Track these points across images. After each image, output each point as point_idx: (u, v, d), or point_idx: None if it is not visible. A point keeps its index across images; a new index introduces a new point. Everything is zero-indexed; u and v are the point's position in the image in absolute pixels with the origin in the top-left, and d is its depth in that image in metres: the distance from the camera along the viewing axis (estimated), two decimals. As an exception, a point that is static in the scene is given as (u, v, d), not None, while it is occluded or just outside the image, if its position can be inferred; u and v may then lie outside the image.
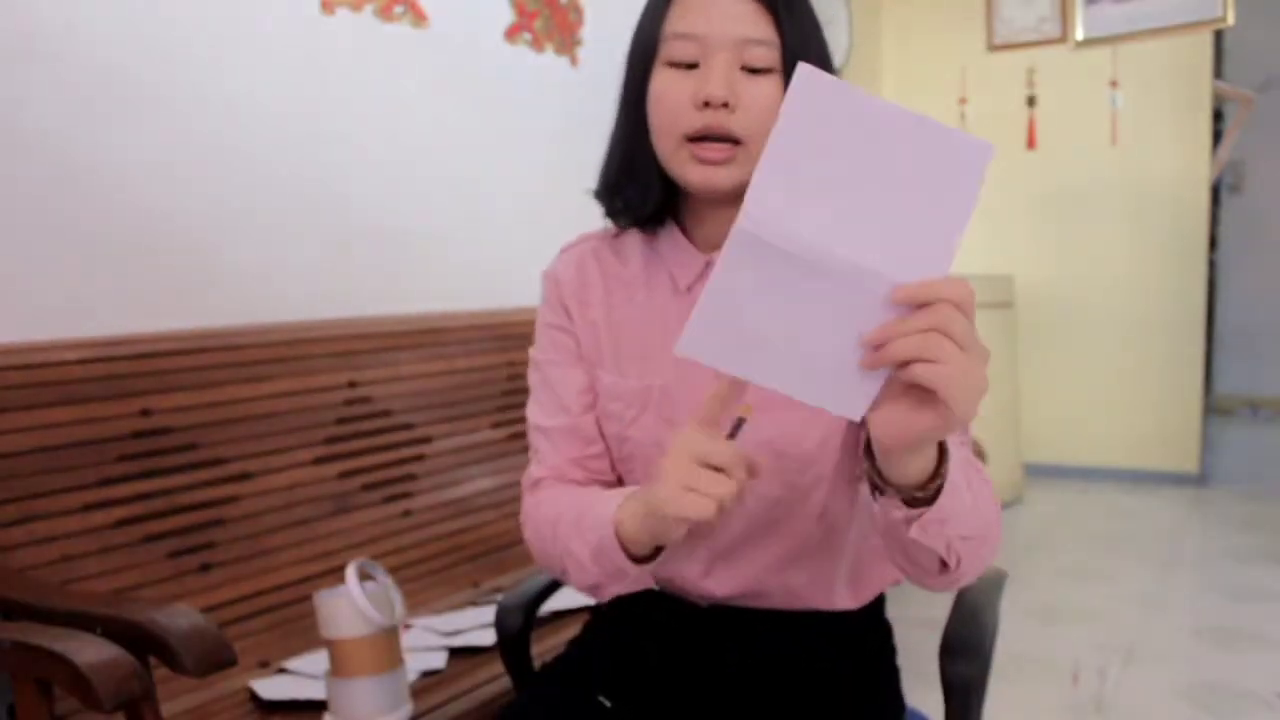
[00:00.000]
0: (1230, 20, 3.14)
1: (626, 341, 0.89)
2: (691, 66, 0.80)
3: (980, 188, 0.58)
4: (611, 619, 0.96)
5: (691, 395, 0.85)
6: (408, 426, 1.77)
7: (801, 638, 0.88)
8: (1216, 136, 3.87)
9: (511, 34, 2.27)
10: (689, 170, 0.81)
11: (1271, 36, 4.89)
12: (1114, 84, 3.64)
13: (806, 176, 0.57)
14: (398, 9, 1.97)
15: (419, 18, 2.02)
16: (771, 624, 0.88)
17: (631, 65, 0.86)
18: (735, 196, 0.76)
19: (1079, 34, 3.38)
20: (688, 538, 0.72)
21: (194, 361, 1.49)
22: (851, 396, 0.59)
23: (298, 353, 1.64)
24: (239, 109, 1.70)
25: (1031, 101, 3.85)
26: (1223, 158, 3.76)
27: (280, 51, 1.76)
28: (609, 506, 0.77)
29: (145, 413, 1.41)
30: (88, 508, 1.31)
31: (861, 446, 0.71)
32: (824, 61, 0.82)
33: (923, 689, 1.09)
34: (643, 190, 0.86)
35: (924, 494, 0.65)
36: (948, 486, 0.65)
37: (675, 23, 0.81)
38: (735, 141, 0.79)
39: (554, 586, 1.12)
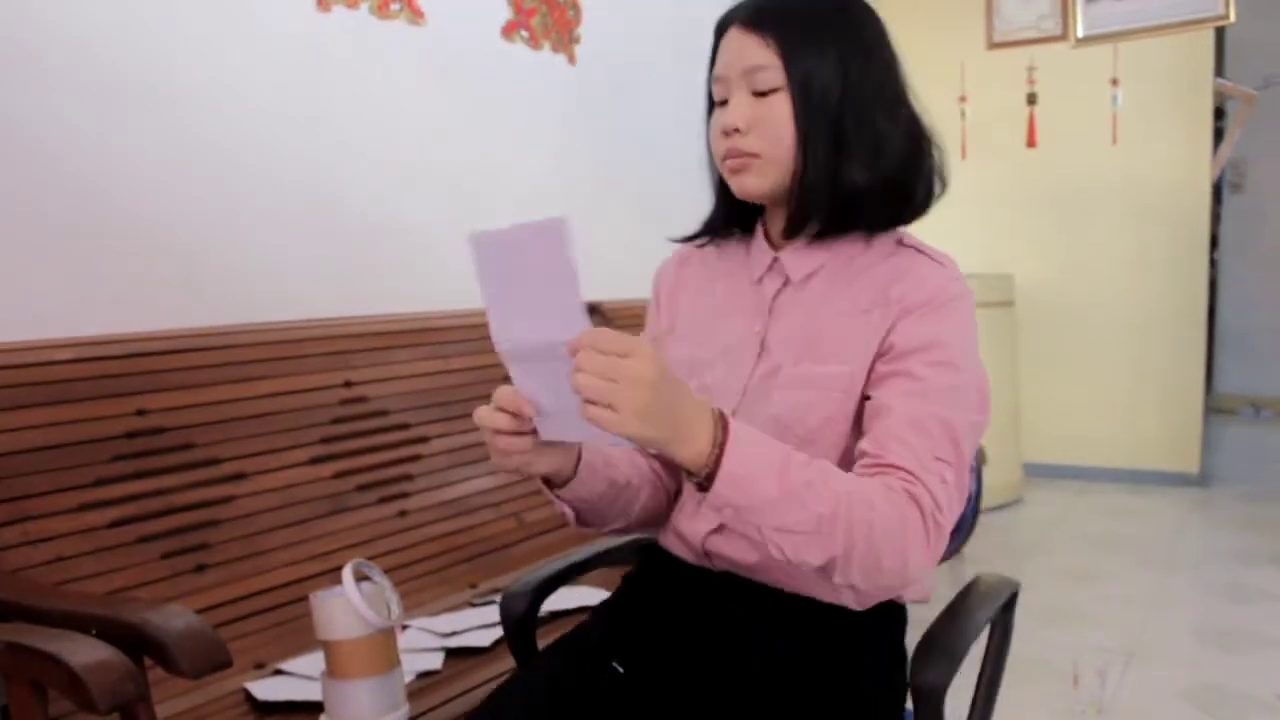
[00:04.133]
0: (1232, 17, 3.13)
1: (692, 319, 1.06)
2: (724, 103, 0.98)
3: (569, 252, 0.76)
4: (626, 597, 1.05)
5: (728, 371, 0.99)
6: (404, 426, 1.77)
7: (810, 619, 0.92)
8: (1218, 135, 3.86)
9: (508, 31, 2.26)
10: (731, 182, 0.98)
11: (1273, 34, 4.88)
12: (1114, 82, 3.63)
13: (504, 301, 0.83)
14: (394, 6, 1.96)
15: (415, 15, 2.02)
16: (782, 603, 0.93)
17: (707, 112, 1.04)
18: (775, 199, 1.00)
19: (1079, 31, 3.38)
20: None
21: (189, 361, 1.49)
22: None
23: (293, 352, 1.63)
24: (234, 107, 1.69)
25: (1032, 99, 3.84)
26: (1224, 156, 3.75)
27: (276, 49, 1.76)
28: None
29: (140, 412, 1.40)
30: (82, 508, 1.31)
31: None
32: (845, 77, 0.94)
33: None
34: (718, 207, 1.06)
35: (705, 480, 0.78)
36: (729, 476, 0.77)
37: (713, 69, 1.00)
38: (754, 155, 0.95)
39: (558, 581, 1.16)
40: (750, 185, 0.96)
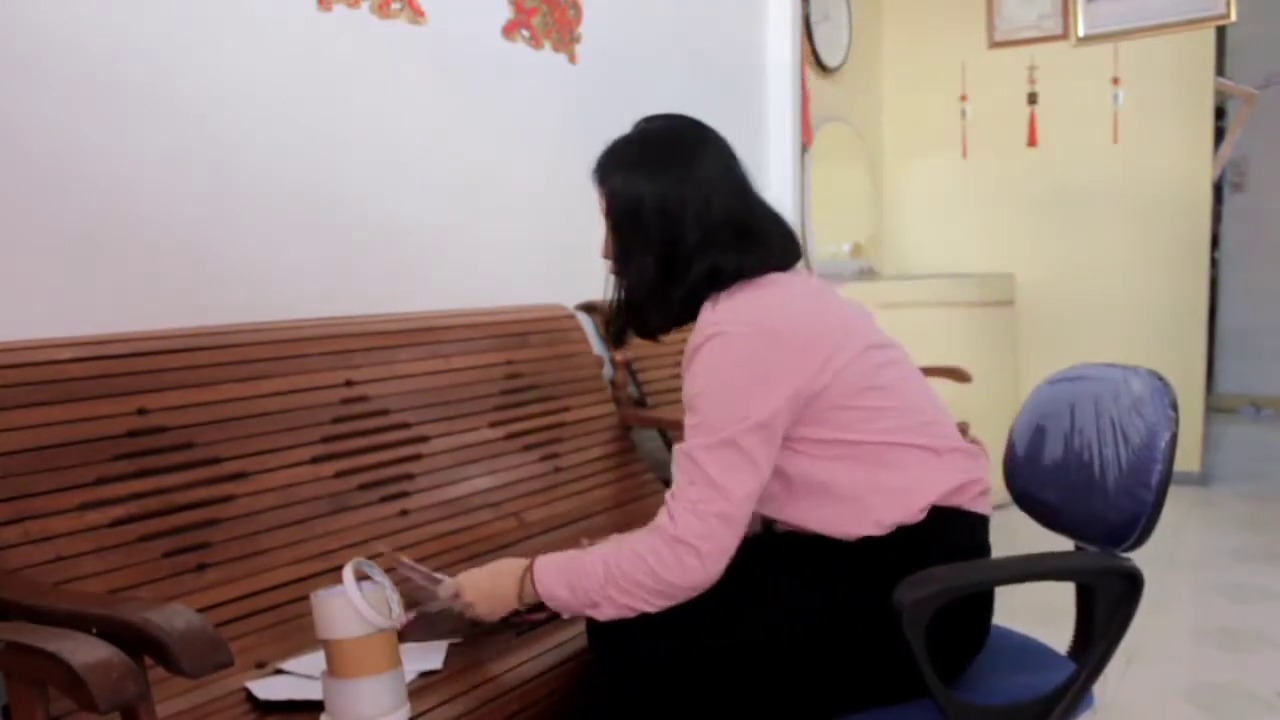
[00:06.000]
0: (1233, 16, 3.13)
1: None
2: None
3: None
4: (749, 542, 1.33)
5: None
6: (405, 426, 1.77)
7: (833, 553, 1.18)
8: (1219, 134, 3.86)
9: (509, 30, 2.26)
10: None
11: (1274, 33, 4.88)
12: (1115, 81, 3.63)
13: None
14: (394, 5, 1.96)
15: (416, 14, 2.01)
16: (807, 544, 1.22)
17: None
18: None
19: (1080, 31, 3.38)
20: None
21: (190, 360, 1.48)
22: None
23: (294, 351, 1.63)
24: (234, 106, 1.69)
25: (1032, 99, 3.84)
26: (1225, 155, 3.75)
27: (276, 49, 1.75)
28: None
29: (141, 412, 1.40)
30: (83, 507, 1.30)
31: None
32: (645, 208, 1.20)
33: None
34: None
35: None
36: (544, 597, 1.20)
37: None
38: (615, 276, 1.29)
39: None
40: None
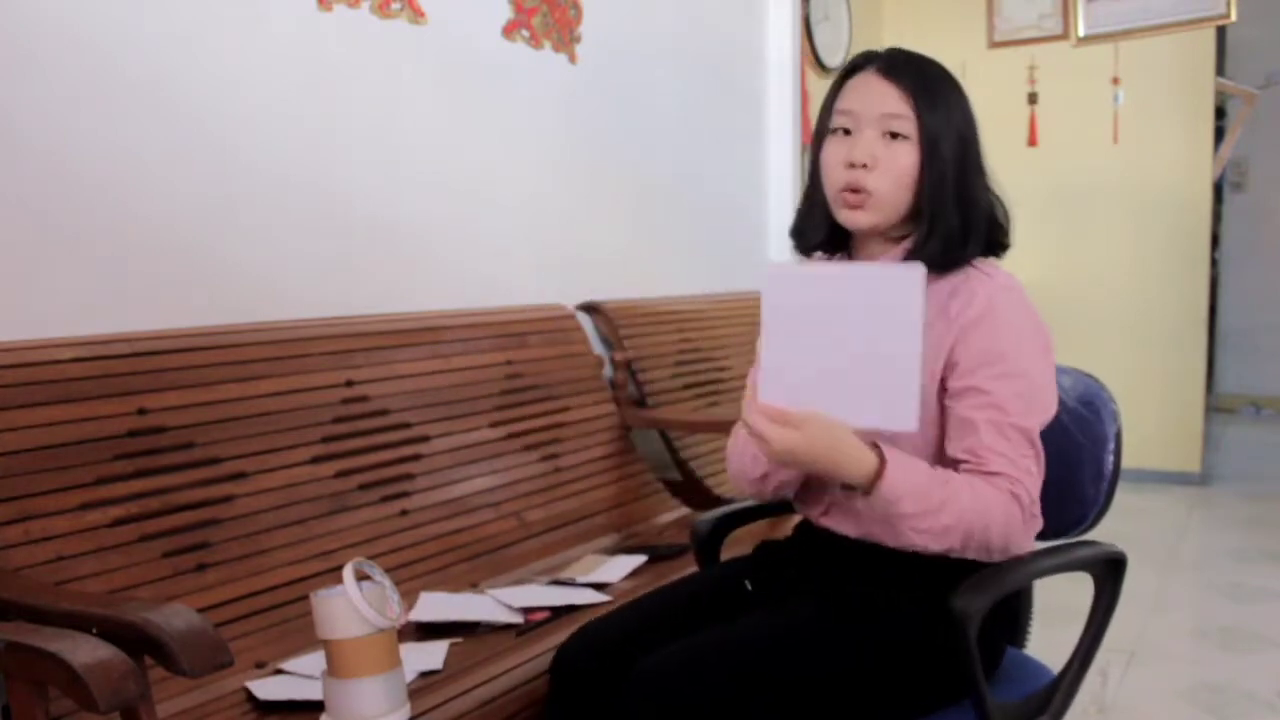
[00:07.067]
0: (1233, 16, 3.13)
1: None
2: (848, 133, 1.11)
3: (920, 305, 0.88)
4: (770, 547, 1.30)
5: None
6: (405, 426, 1.77)
7: (903, 567, 1.11)
8: (1219, 134, 3.86)
9: (509, 30, 2.26)
10: (840, 213, 1.13)
11: (1274, 33, 4.88)
12: (1116, 81, 3.62)
13: (797, 340, 0.96)
14: (395, 5, 1.96)
15: (416, 14, 2.01)
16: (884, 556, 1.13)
17: (815, 133, 1.18)
18: (875, 233, 1.16)
19: (1080, 30, 3.37)
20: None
21: (190, 360, 1.49)
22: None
23: (294, 351, 1.63)
24: (235, 106, 1.69)
25: (1032, 99, 3.83)
26: (1225, 155, 3.75)
27: (276, 49, 1.75)
28: None
29: (141, 412, 1.40)
30: (83, 507, 1.31)
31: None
32: (959, 136, 1.11)
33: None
34: (816, 226, 1.20)
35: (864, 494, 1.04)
36: (881, 497, 1.01)
37: (840, 101, 1.13)
38: (869, 193, 1.10)
39: (734, 519, 1.43)
40: (862, 220, 1.12)
